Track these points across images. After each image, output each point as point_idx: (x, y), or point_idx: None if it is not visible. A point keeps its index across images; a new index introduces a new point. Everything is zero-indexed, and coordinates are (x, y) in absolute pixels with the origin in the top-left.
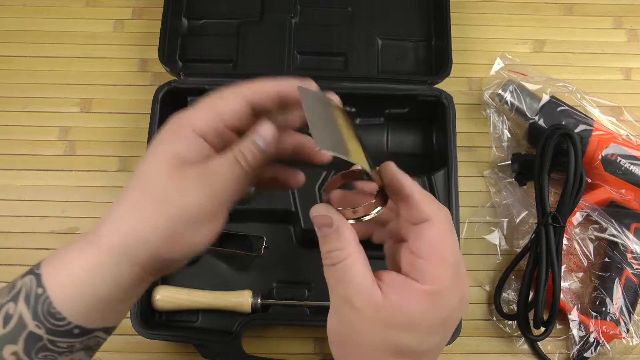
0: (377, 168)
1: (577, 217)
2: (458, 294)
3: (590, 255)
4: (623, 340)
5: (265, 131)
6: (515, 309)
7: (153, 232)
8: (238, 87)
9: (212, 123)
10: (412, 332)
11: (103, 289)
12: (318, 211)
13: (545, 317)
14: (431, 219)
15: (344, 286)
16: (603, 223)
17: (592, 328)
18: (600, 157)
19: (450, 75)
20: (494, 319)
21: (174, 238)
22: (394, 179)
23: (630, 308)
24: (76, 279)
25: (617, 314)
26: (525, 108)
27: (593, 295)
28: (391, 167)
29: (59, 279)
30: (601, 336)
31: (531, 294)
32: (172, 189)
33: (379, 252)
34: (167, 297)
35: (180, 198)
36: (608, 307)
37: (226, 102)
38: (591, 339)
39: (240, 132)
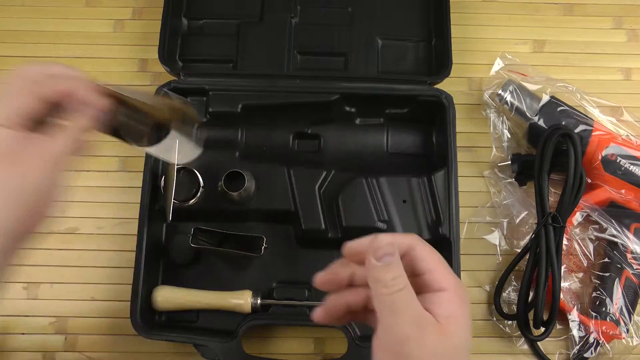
0: None
1: (577, 217)
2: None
3: (590, 255)
4: (623, 340)
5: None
6: (515, 309)
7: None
8: (27, 82)
9: (14, 120)
10: (463, 332)
11: None
12: (384, 240)
13: (545, 317)
14: (414, 243)
15: (412, 309)
16: (603, 223)
17: (592, 328)
18: (600, 157)
19: (450, 76)
20: (494, 319)
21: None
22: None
23: (630, 308)
24: None
25: (617, 314)
26: (525, 108)
27: (593, 295)
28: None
29: None
30: (601, 336)
31: (531, 294)
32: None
33: None
34: (167, 297)
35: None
36: (608, 307)
37: (19, 102)
38: (591, 339)
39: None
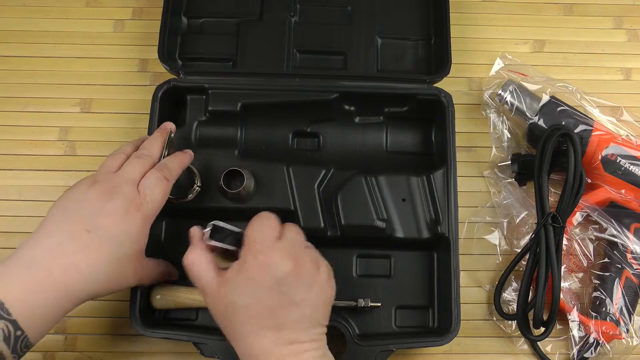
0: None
1: (577, 217)
2: (257, 262)
3: (590, 255)
4: (623, 340)
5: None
6: (515, 309)
7: (108, 282)
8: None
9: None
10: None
11: (60, 317)
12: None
13: (545, 317)
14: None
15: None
16: (603, 223)
17: (592, 328)
18: (600, 157)
19: (450, 76)
20: (494, 319)
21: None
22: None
23: (630, 308)
24: (46, 320)
25: (617, 314)
26: (525, 108)
27: (593, 295)
28: None
29: (34, 322)
30: (601, 336)
31: (531, 294)
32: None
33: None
34: (166, 296)
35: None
36: (608, 308)
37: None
38: (591, 340)
39: None
